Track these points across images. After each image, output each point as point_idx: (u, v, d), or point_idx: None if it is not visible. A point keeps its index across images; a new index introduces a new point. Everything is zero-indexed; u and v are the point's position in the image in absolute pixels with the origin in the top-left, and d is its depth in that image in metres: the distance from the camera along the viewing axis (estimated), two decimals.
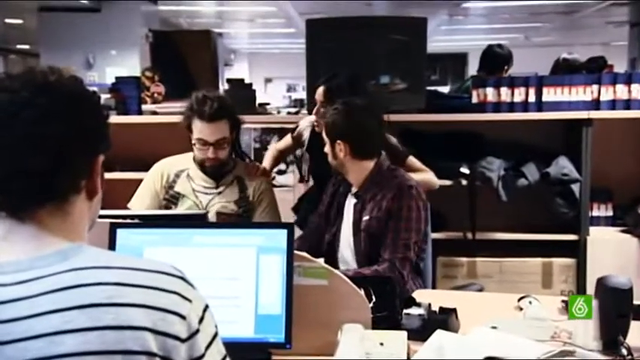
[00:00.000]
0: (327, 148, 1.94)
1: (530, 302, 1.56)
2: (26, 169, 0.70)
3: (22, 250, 0.72)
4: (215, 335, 0.76)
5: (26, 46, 9.95)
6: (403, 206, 1.83)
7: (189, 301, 0.73)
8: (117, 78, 2.92)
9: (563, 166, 2.59)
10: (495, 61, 3.32)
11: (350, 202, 1.95)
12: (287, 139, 2.44)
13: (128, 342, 0.67)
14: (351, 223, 1.92)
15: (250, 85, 3.15)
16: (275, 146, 2.51)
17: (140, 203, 2.03)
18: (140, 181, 2.11)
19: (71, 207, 0.75)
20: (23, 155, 0.70)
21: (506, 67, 3.31)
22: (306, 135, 2.36)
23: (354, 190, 1.94)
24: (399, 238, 1.82)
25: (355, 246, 1.91)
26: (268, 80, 13.94)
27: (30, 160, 0.70)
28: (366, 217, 1.88)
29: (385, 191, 1.86)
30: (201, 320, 0.73)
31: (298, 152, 2.59)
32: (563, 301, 1.57)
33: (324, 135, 1.94)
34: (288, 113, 3.73)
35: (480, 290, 2.09)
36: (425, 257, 1.99)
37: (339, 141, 1.88)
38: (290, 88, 13.47)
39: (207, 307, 0.75)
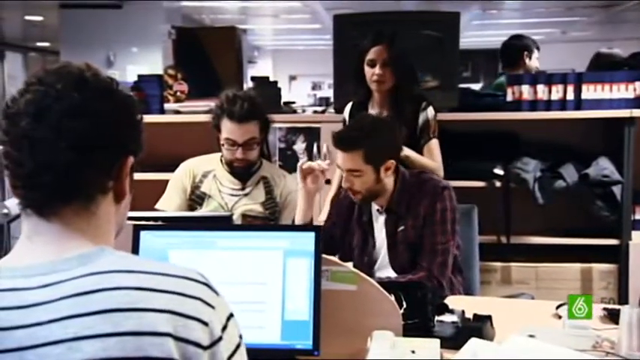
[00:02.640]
0: (360, 179, 1.71)
1: None
2: (53, 163, 0.70)
3: (45, 252, 0.71)
4: (239, 345, 0.73)
5: (46, 44, 9.86)
6: (438, 210, 1.76)
7: (212, 307, 0.70)
8: (139, 76, 2.89)
9: (603, 167, 2.49)
10: (511, 53, 3.19)
11: (379, 221, 1.84)
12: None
13: (148, 348, 0.65)
14: (385, 238, 1.82)
15: (275, 83, 3.09)
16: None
17: (169, 204, 2.01)
18: (163, 181, 2.08)
19: (97, 208, 0.74)
20: (51, 149, 0.70)
21: (526, 53, 3.15)
22: None
23: (378, 207, 1.82)
24: (436, 242, 1.75)
25: (391, 261, 1.81)
26: (293, 78, 13.89)
27: (57, 154, 0.70)
28: (401, 228, 1.78)
29: (419, 197, 1.78)
30: (224, 328, 0.71)
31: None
32: (604, 309, 1.52)
33: (357, 164, 1.70)
34: (314, 112, 3.68)
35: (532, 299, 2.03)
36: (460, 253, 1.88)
37: (391, 160, 1.75)
38: (315, 86, 13.41)
39: (231, 315, 0.73)
